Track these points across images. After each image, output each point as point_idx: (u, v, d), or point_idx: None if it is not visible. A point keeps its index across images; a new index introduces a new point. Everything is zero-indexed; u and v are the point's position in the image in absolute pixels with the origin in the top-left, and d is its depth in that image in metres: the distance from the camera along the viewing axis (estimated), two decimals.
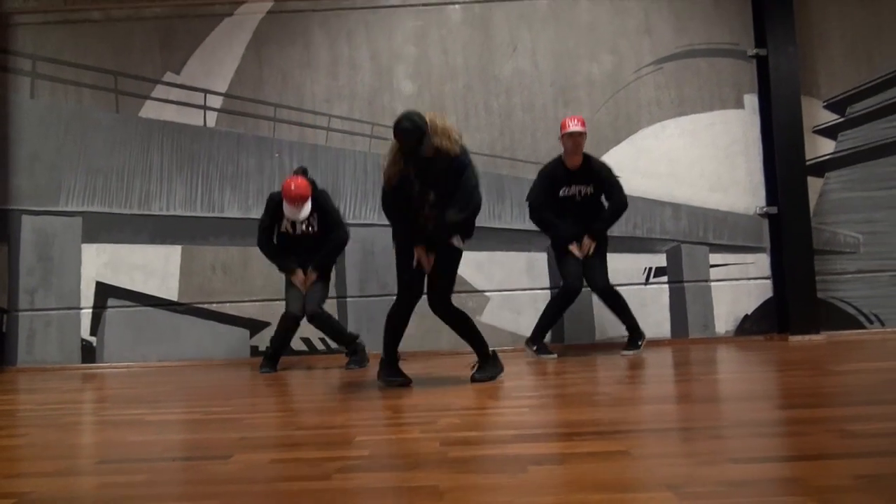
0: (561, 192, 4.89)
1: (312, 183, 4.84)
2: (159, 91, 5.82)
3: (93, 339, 5.68)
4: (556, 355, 4.94)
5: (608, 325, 5.58)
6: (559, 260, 4.97)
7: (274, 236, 4.88)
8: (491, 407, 2.92)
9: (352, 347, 4.88)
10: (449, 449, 2.07)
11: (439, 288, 3.61)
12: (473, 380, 3.62)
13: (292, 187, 4.68)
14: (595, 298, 5.54)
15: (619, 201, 4.90)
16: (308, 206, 4.73)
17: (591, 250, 4.86)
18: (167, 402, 3.63)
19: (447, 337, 5.33)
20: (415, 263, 3.58)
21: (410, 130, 3.29)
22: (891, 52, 5.86)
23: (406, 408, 2.93)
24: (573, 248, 4.86)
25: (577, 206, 4.91)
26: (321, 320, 4.79)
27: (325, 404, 3.29)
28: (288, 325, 4.79)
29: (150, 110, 5.81)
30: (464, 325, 3.71)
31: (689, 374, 3.94)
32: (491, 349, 3.76)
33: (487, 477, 1.75)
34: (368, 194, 5.74)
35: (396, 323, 3.69)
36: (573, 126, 4.82)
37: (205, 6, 5.90)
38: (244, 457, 2.06)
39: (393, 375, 3.63)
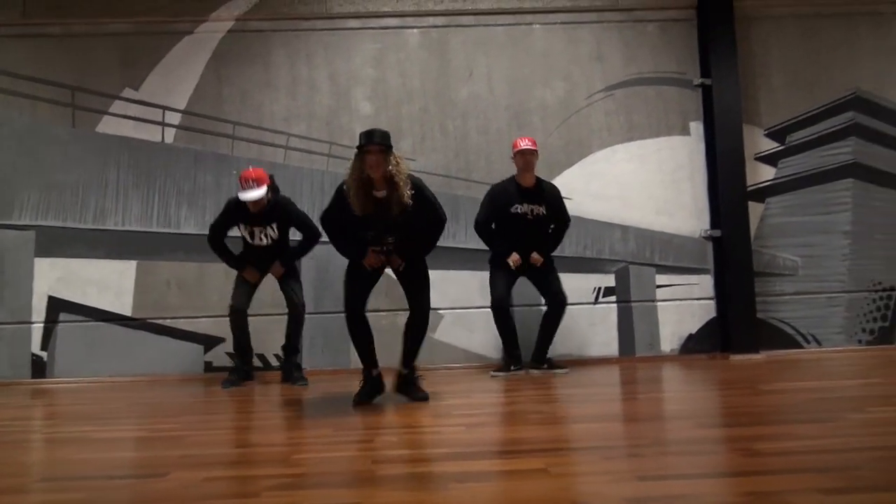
0: (512, 209, 5.00)
1: (276, 188, 4.95)
2: (117, 107, 5.85)
3: (44, 354, 5.64)
4: (522, 371, 5.03)
5: (559, 341, 5.74)
6: (491, 275, 5.11)
7: (225, 238, 4.95)
8: (430, 425, 3.02)
9: (292, 361, 4.98)
10: (379, 467, 2.17)
11: (422, 287, 3.72)
12: (417, 398, 3.72)
13: (249, 167, 4.80)
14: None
15: (565, 222, 5.14)
16: (261, 192, 4.67)
17: (538, 264, 5.02)
18: (115, 418, 3.66)
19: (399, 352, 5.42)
20: (373, 264, 3.65)
21: (384, 134, 3.48)
22: (829, 83, 6.17)
23: (348, 426, 3.02)
24: (512, 259, 4.98)
25: (529, 224, 5.02)
26: (301, 315, 5.00)
27: (271, 422, 3.36)
28: (238, 322, 4.89)
29: (107, 126, 5.83)
30: (423, 335, 3.78)
31: (628, 392, 4.10)
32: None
33: (409, 494, 1.86)
34: None
35: (359, 332, 3.74)
36: (524, 144, 5.01)
37: (166, 23, 5.95)
38: (181, 475, 2.13)
39: (363, 395, 3.68)
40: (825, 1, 6.19)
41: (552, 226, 5.15)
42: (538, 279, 5.12)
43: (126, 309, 5.71)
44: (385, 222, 3.58)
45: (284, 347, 5.05)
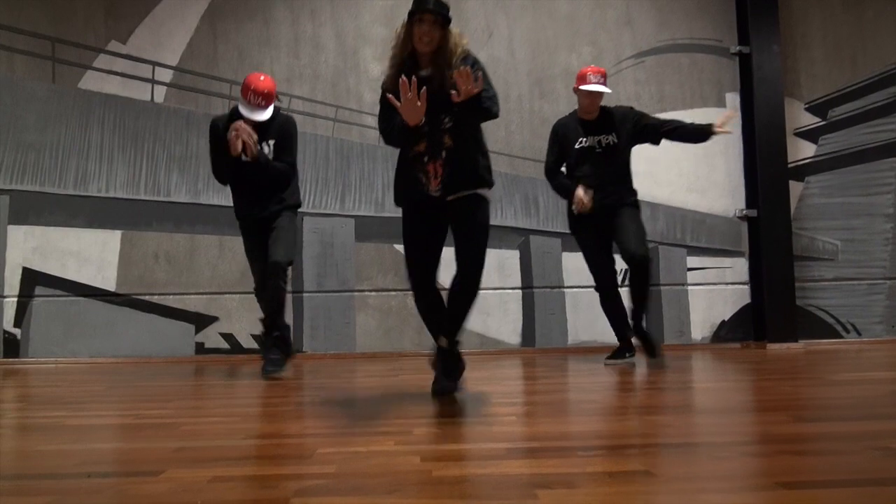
0: (577, 145, 4.22)
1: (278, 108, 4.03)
2: (102, 61, 5.32)
3: (17, 332, 5.12)
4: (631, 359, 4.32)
5: (581, 328, 5.30)
6: (584, 252, 4.31)
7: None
8: (470, 415, 2.56)
9: (273, 340, 3.93)
10: (432, 466, 1.70)
11: (478, 244, 2.86)
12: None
13: (261, 78, 3.85)
14: (568, 298, 5.27)
15: (669, 121, 4.27)
16: (269, 112, 3.85)
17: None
18: (95, 403, 3.17)
19: (410, 336, 4.99)
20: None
21: (441, 3, 2.79)
22: (872, 56, 5.75)
23: (373, 414, 2.55)
24: (580, 191, 4.07)
25: (598, 157, 4.15)
26: (280, 279, 3.82)
27: (279, 408, 2.89)
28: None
29: (90, 82, 5.30)
30: (472, 301, 2.93)
31: (681, 381, 3.65)
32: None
33: None
34: (329, 182, 5.34)
35: (426, 311, 3.01)
36: (592, 83, 4.11)
37: None
38: (178, 473, 1.66)
39: (439, 383, 2.95)
40: None
41: (661, 132, 4.22)
42: (618, 232, 4.13)
43: (109, 283, 5.20)
44: (434, 102, 2.75)
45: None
